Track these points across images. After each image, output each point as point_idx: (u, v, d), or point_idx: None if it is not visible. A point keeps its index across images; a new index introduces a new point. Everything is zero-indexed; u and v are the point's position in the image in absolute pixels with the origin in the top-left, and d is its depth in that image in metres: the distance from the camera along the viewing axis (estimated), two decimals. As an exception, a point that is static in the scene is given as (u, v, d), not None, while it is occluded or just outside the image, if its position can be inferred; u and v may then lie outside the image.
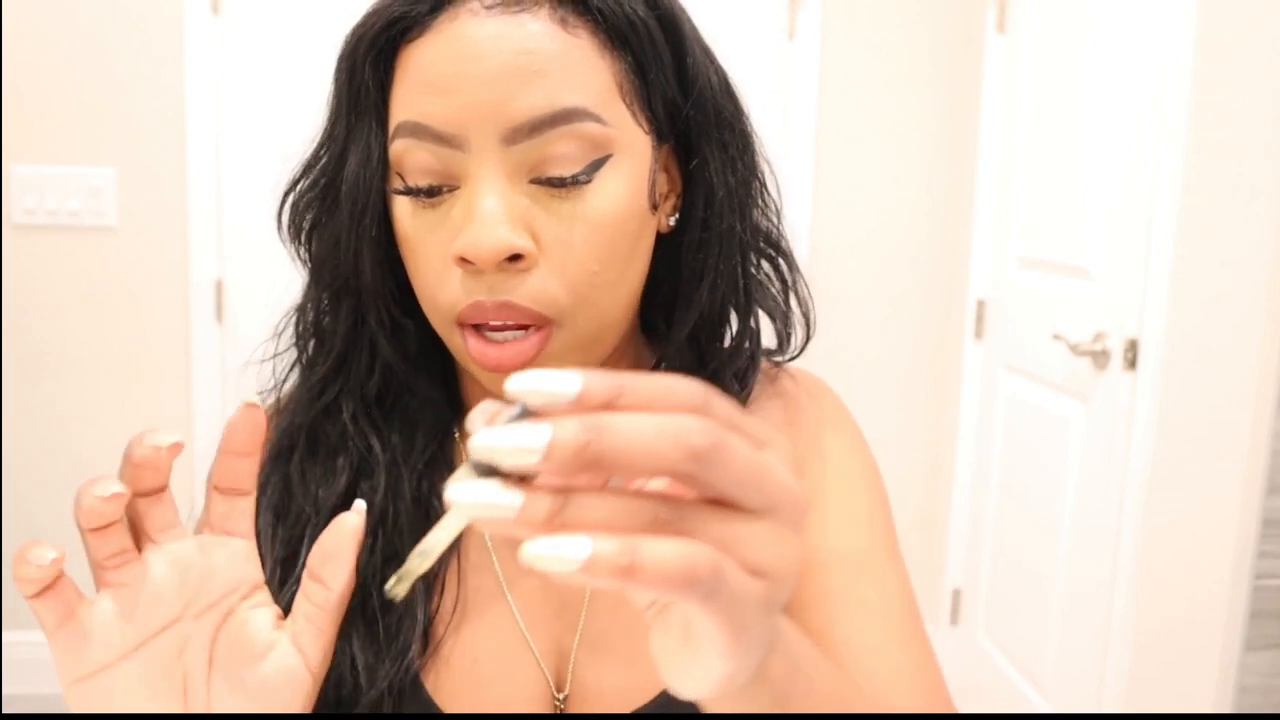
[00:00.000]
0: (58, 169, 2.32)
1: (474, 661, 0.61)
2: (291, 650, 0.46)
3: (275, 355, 0.67)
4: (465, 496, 0.31)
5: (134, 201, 2.35)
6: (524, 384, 0.31)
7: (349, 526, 0.46)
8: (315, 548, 0.47)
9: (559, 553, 0.30)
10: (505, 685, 0.61)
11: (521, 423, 0.30)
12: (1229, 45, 1.68)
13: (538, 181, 0.54)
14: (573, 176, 0.54)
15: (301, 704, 0.46)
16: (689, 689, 0.36)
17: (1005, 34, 2.35)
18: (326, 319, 0.63)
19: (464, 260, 0.54)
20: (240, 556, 0.47)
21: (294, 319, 0.66)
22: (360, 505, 0.47)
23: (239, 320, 2.38)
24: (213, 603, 0.46)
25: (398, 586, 0.35)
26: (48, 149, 2.31)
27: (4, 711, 2.39)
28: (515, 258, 0.54)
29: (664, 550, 0.30)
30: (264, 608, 0.47)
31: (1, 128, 2.29)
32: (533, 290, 0.54)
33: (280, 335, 0.67)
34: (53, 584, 0.43)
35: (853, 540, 0.64)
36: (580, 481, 0.31)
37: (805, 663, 0.41)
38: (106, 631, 0.44)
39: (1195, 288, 1.73)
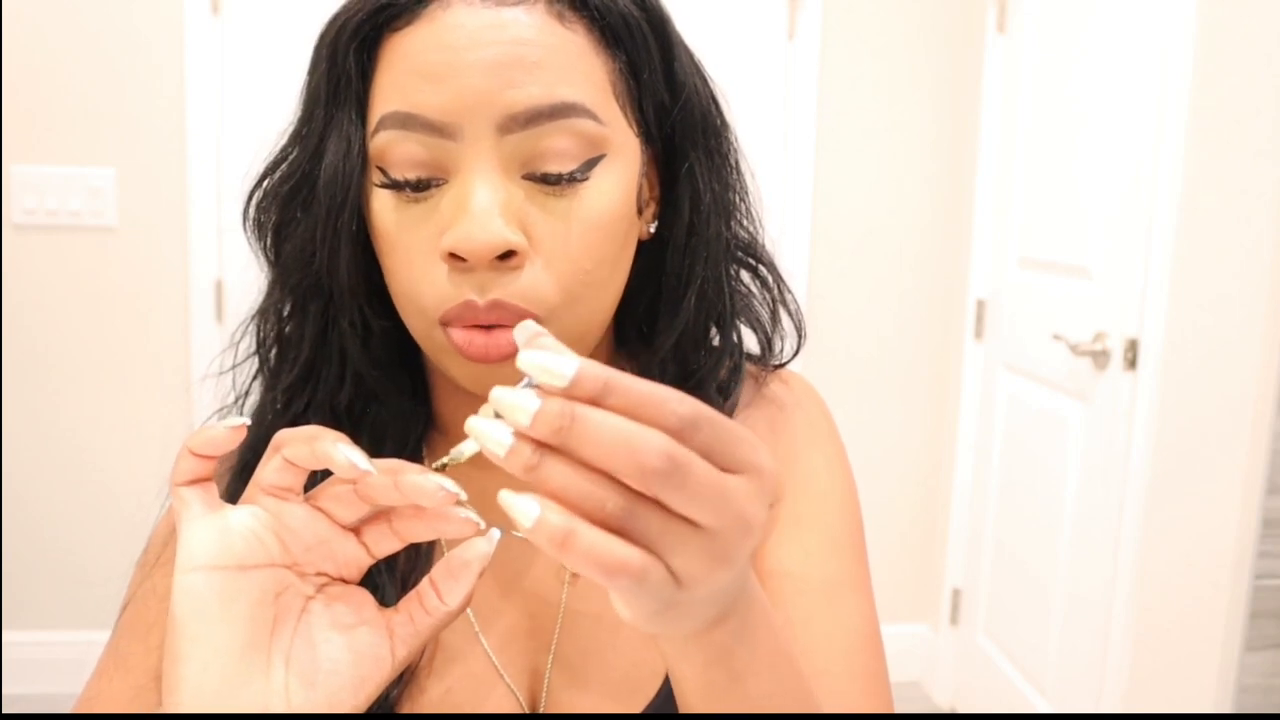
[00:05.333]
0: (58, 169, 2.32)
1: (448, 690, 0.60)
2: (385, 635, 0.47)
3: (234, 366, 0.64)
4: (477, 425, 0.37)
5: (134, 201, 2.35)
6: (529, 358, 0.36)
7: (479, 550, 0.48)
8: (442, 561, 0.48)
9: (514, 506, 0.36)
10: (479, 708, 0.60)
11: (526, 390, 0.37)
12: (1229, 45, 1.68)
13: (531, 178, 0.53)
14: (569, 174, 0.53)
15: (374, 687, 0.47)
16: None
17: (1005, 34, 2.35)
18: (291, 325, 0.60)
19: (454, 256, 0.52)
20: (358, 556, 0.48)
21: (254, 327, 0.62)
22: (495, 533, 0.48)
23: (239, 320, 2.37)
24: (320, 572, 0.48)
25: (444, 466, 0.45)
26: (48, 149, 2.31)
27: (4, 711, 2.39)
28: (508, 254, 0.52)
29: (597, 542, 0.35)
30: (365, 591, 0.49)
31: (1, 128, 2.29)
32: (524, 288, 0.52)
33: (238, 345, 0.63)
34: (210, 474, 0.46)
35: (823, 568, 0.63)
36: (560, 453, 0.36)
37: (763, 646, 0.45)
38: (240, 539, 0.45)
39: (1195, 288, 1.73)
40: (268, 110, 2.28)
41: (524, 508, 0.36)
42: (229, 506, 0.45)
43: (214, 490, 0.46)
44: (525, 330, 0.38)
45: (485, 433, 0.37)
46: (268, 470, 0.45)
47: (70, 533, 2.43)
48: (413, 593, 0.48)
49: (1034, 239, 2.21)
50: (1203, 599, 1.77)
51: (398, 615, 0.48)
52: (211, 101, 2.33)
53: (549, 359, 0.36)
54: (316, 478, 0.47)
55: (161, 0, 2.30)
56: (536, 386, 0.37)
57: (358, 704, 0.46)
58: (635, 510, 0.36)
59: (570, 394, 0.36)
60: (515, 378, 0.56)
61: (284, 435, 0.45)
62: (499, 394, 0.37)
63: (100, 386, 2.40)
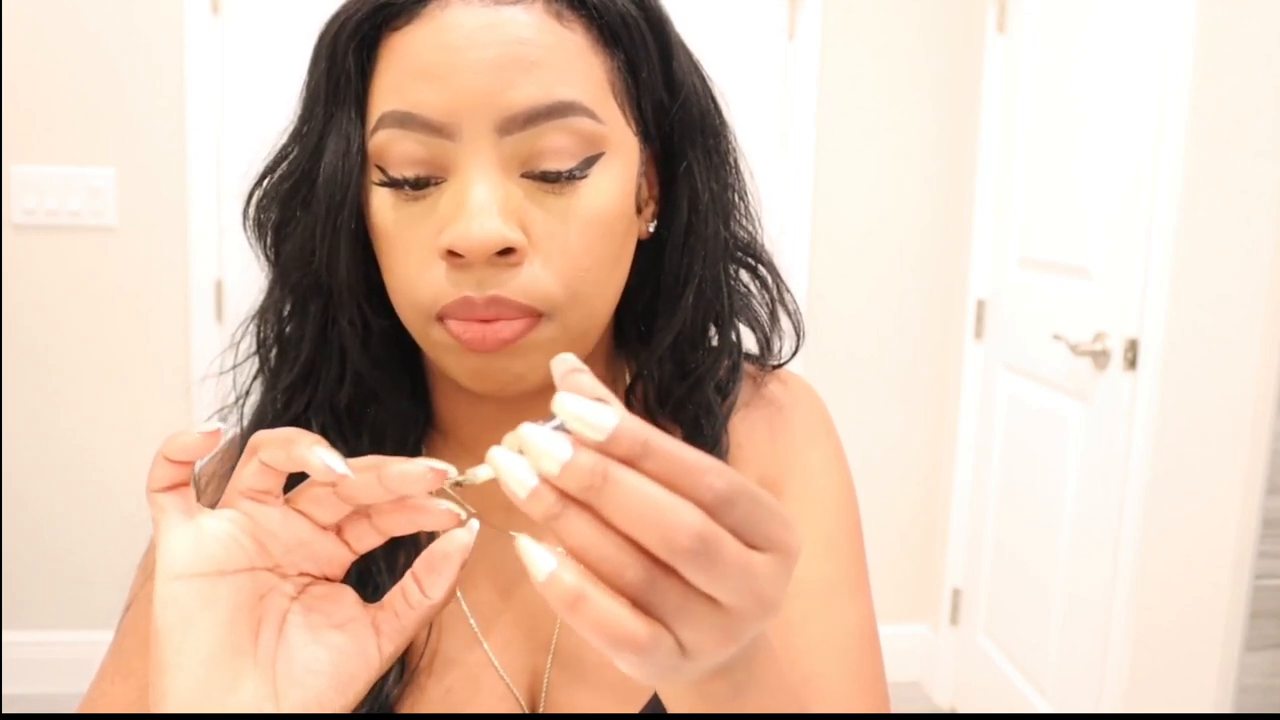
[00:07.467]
0: (58, 169, 2.32)
1: (448, 690, 0.60)
2: (370, 632, 0.47)
3: (235, 366, 0.64)
4: (500, 459, 0.35)
5: (134, 201, 2.35)
6: (567, 404, 0.34)
7: (459, 542, 0.47)
8: (424, 555, 0.47)
9: (531, 557, 0.35)
10: (479, 708, 0.60)
11: (558, 434, 0.34)
12: (1229, 45, 1.68)
13: (530, 176, 0.53)
14: (568, 172, 0.53)
15: (361, 685, 0.47)
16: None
17: (1005, 34, 2.35)
18: (291, 324, 0.60)
19: (452, 253, 0.52)
20: (339, 554, 0.48)
21: (254, 327, 0.62)
22: (474, 524, 0.47)
23: (239, 320, 2.37)
24: (302, 572, 0.47)
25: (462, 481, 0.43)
26: (48, 149, 2.31)
27: (4, 711, 2.39)
28: (506, 251, 0.52)
29: (608, 611, 0.34)
30: (349, 588, 0.48)
31: (1, 128, 2.29)
32: (523, 284, 0.52)
33: (238, 345, 0.63)
34: (186, 480, 0.45)
35: (819, 570, 0.63)
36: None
37: (768, 687, 0.43)
38: (217, 544, 0.44)
39: (1195, 288, 1.73)
40: (268, 110, 2.28)
41: (540, 561, 0.34)
42: (206, 511, 0.45)
43: (191, 495, 0.45)
44: (562, 364, 0.37)
45: (507, 470, 0.35)
46: (245, 474, 0.45)
47: (70, 533, 2.43)
48: (396, 588, 0.48)
49: (1034, 239, 2.21)
50: (1203, 599, 1.77)
51: (382, 612, 0.47)
52: (211, 101, 2.33)
53: (587, 410, 0.34)
54: (296, 477, 0.46)
55: (161, 0, 2.30)
56: (569, 431, 0.35)
57: (346, 703, 0.46)
58: (655, 582, 0.34)
59: (606, 449, 0.34)
60: (513, 371, 0.56)
61: (261, 438, 0.44)
62: (530, 434, 0.35)
63: (100, 386, 2.40)
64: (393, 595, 0.48)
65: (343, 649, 0.46)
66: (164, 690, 0.43)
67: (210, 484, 0.64)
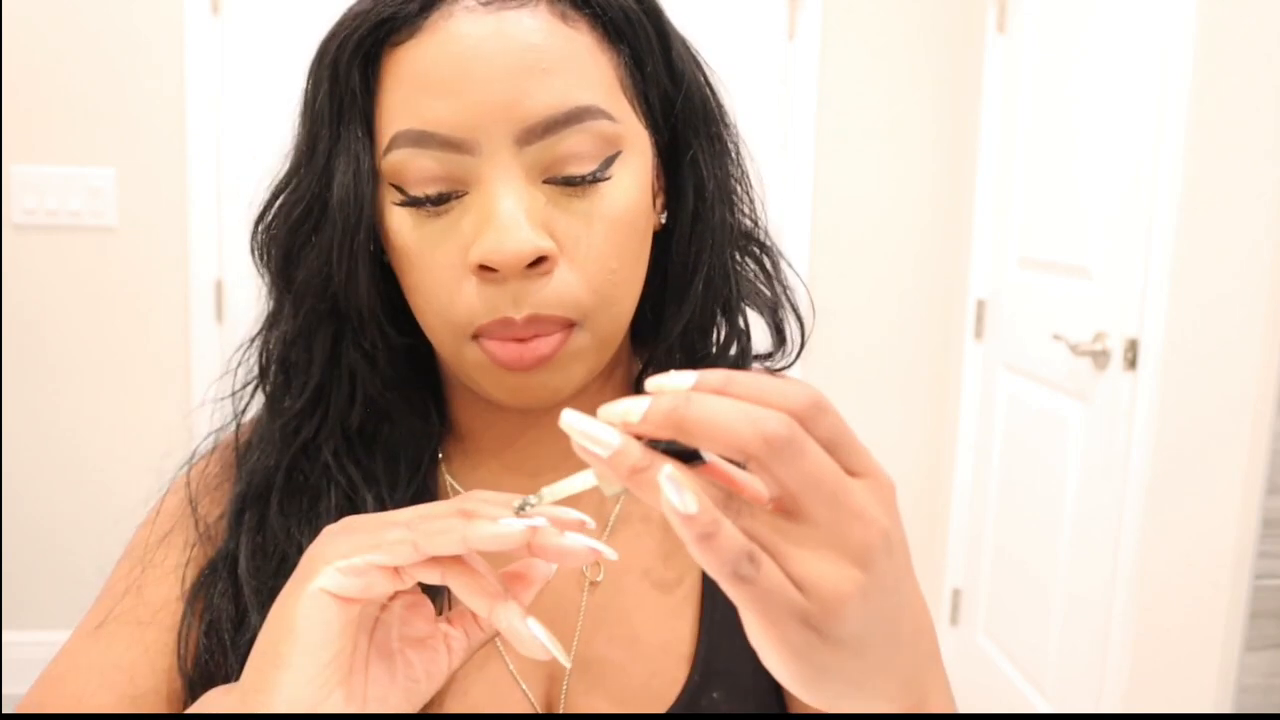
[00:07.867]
0: (58, 169, 2.32)
1: (464, 693, 0.59)
2: (443, 646, 0.48)
3: (233, 393, 0.63)
4: (577, 422, 0.36)
5: (134, 201, 2.35)
6: (654, 380, 0.36)
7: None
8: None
9: (672, 494, 0.34)
10: (497, 709, 0.60)
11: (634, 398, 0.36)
12: (1229, 45, 1.68)
13: (553, 181, 0.53)
14: (591, 174, 0.53)
15: (428, 696, 0.48)
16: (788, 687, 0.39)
17: (1005, 34, 2.35)
18: (296, 350, 0.59)
19: (485, 268, 0.51)
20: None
21: (257, 353, 0.62)
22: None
23: (239, 320, 2.38)
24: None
25: (523, 507, 0.42)
26: (48, 149, 2.31)
27: (4, 711, 2.39)
28: (538, 261, 0.51)
29: (697, 505, 0.34)
30: (429, 601, 0.49)
31: (1, 128, 2.29)
32: (557, 293, 0.52)
33: (235, 371, 0.63)
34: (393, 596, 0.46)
35: None
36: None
37: None
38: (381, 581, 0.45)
39: (1195, 288, 1.73)
40: (268, 110, 2.28)
41: (680, 498, 0.35)
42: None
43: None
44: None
45: (589, 430, 0.35)
46: (423, 574, 0.44)
47: (70, 533, 2.43)
48: (464, 609, 0.48)
49: (1034, 239, 2.21)
50: (1203, 599, 1.77)
51: (453, 629, 0.48)
52: (211, 101, 2.33)
53: (665, 378, 0.37)
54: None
55: (161, 0, 2.30)
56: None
57: (412, 710, 0.47)
58: (750, 509, 0.35)
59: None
60: (550, 385, 0.55)
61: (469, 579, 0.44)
62: (604, 408, 0.36)
63: (100, 386, 2.40)
64: (462, 616, 0.48)
65: (421, 662, 0.48)
66: (276, 682, 0.42)
67: (206, 496, 0.63)
